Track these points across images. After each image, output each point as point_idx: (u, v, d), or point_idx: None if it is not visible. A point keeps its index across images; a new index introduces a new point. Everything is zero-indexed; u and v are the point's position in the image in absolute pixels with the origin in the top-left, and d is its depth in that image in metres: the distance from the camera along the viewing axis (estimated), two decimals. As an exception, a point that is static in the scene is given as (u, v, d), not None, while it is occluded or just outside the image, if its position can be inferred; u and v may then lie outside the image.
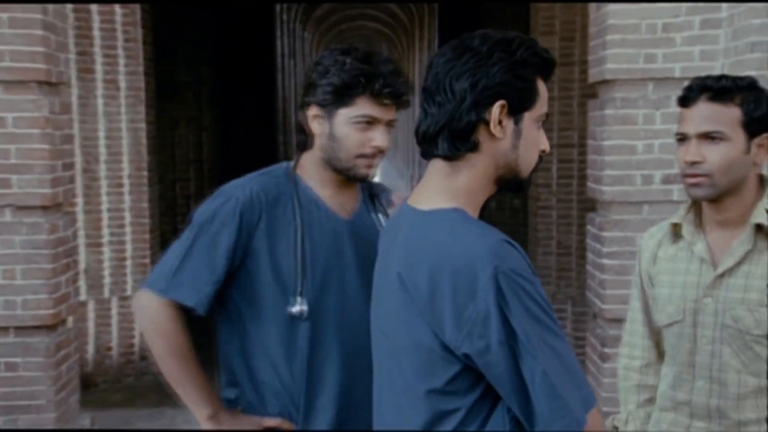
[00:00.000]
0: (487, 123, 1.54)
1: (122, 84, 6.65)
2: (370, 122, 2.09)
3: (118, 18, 6.58)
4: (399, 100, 2.12)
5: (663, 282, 2.24)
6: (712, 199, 2.11)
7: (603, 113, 4.09)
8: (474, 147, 1.55)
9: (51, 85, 3.72)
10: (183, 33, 9.07)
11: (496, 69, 1.53)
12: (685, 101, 2.12)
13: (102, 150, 6.61)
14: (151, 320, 2.11)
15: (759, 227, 2.09)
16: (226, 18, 10.39)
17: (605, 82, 4.09)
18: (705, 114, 2.06)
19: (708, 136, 2.06)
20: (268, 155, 14.27)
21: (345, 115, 2.09)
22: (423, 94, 1.59)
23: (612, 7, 3.96)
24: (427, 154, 1.61)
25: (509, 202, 10.48)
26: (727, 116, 2.05)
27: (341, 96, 2.07)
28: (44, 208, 3.74)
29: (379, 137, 2.11)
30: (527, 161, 1.59)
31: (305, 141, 2.18)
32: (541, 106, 1.60)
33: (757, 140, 2.08)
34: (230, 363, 2.17)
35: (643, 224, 3.82)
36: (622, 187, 4.06)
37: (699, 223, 2.20)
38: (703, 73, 2.25)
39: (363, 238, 2.18)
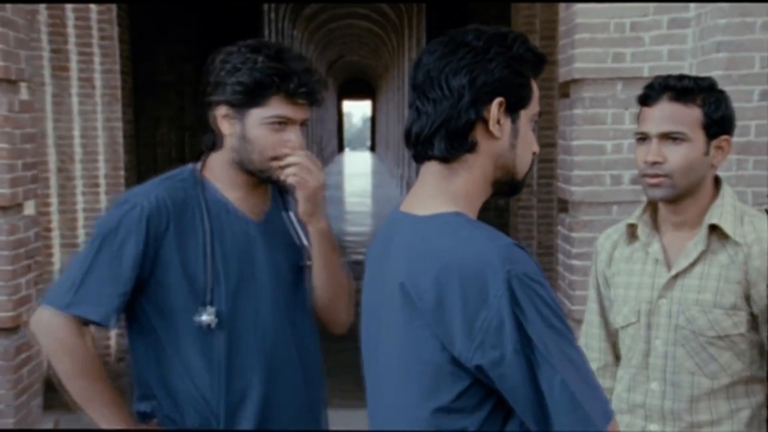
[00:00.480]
0: (485, 122, 1.47)
1: (98, 82, 6.60)
2: (285, 123, 2.01)
3: (94, 15, 6.53)
4: (313, 99, 2.05)
5: (618, 283, 2.22)
6: (670, 200, 2.09)
7: (572, 113, 4.06)
8: (472, 147, 1.48)
9: (10, 83, 3.66)
10: (165, 31, 9.03)
11: (494, 64, 1.46)
12: (646, 100, 2.09)
13: (77, 149, 6.56)
14: (55, 338, 2.00)
15: (713, 228, 2.07)
16: (211, 16, 10.34)
17: (574, 81, 4.06)
18: (667, 114, 2.04)
19: (669, 137, 2.03)
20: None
21: (258, 115, 2.00)
22: (414, 93, 1.51)
23: (580, 5, 3.93)
24: (421, 156, 1.52)
25: (494, 202, 10.44)
26: (688, 117, 2.03)
27: (253, 96, 1.99)
28: (3, 208, 3.68)
29: (293, 138, 2.02)
30: (524, 162, 1.53)
31: (213, 141, 2.09)
32: (535, 105, 1.53)
33: (715, 142, 2.06)
34: (144, 376, 2.08)
35: (607, 224, 3.78)
36: (591, 187, 4.03)
37: (654, 223, 2.18)
38: (673, 73, 2.22)
39: (276, 240, 2.12)
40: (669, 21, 3.88)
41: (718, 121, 2.06)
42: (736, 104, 3.50)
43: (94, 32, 6.54)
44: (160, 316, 2.03)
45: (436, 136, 1.48)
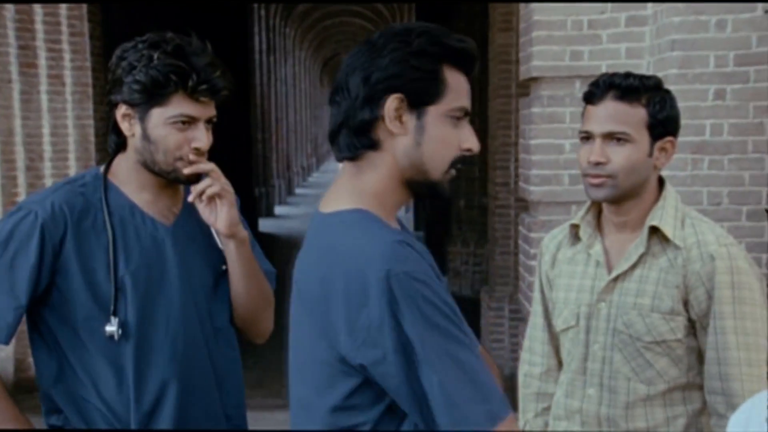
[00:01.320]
0: (383, 119, 1.45)
1: (68, 79, 6.52)
2: (188, 121, 1.94)
3: (63, 11, 6.45)
4: (218, 96, 1.97)
5: (560, 285, 2.17)
6: (612, 201, 2.04)
7: (530, 111, 4.00)
8: (374, 145, 1.47)
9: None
10: (142, 29, 8.93)
11: (387, 60, 1.44)
12: (591, 98, 2.03)
13: (47, 147, 6.48)
14: None
15: (654, 230, 2.03)
16: (191, 13, 10.27)
17: (533, 79, 4.00)
18: (611, 113, 1.99)
19: (613, 137, 1.98)
20: (244, 152, 14.24)
21: (159, 115, 1.92)
22: (329, 97, 1.52)
23: (537, 3, 3.87)
24: (338, 156, 1.53)
25: (478, 201, 10.41)
26: (633, 117, 1.98)
27: (152, 95, 1.91)
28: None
29: (199, 137, 1.94)
30: (435, 160, 1.48)
31: (117, 142, 2.01)
32: (454, 100, 1.48)
33: (659, 143, 2.02)
34: (50, 390, 1.99)
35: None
36: (549, 187, 3.97)
37: (598, 224, 2.13)
38: (631, 71, 2.16)
39: (189, 244, 2.04)
40: (627, 19, 3.82)
41: (663, 122, 2.00)
42: (690, 103, 3.49)
43: (64, 28, 6.47)
44: (64, 328, 1.95)
45: (339, 136, 1.50)
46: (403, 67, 1.44)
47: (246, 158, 14.51)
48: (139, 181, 2.01)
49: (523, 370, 2.32)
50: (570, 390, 2.14)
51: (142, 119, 1.94)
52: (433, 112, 1.47)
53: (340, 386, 1.42)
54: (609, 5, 3.82)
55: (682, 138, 3.50)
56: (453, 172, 1.53)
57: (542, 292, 2.27)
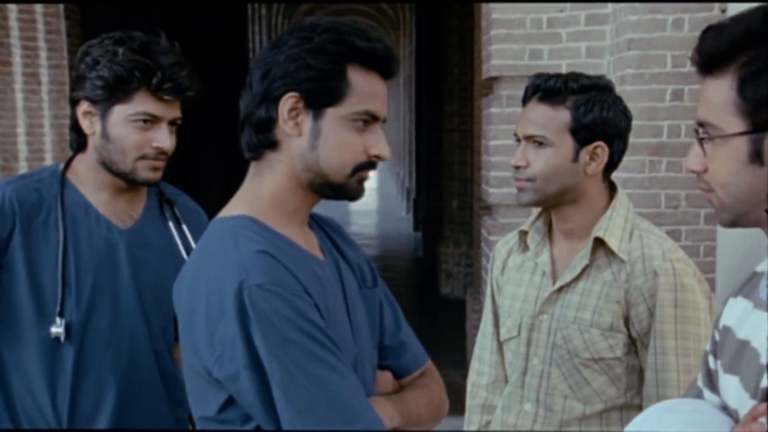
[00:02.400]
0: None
1: (44, 78, 6.47)
2: (151, 121, 1.89)
3: (39, 9, 6.39)
4: (183, 96, 1.92)
5: (507, 293, 2.08)
6: (545, 207, 1.97)
7: (489, 111, 3.91)
8: (273, 145, 1.40)
9: None
10: (128, 27, 8.88)
11: (283, 57, 1.37)
12: (523, 100, 1.97)
13: (22, 147, 6.44)
14: None
15: (600, 242, 1.92)
16: (180, 10, 10.20)
17: (492, 79, 3.90)
18: (533, 116, 1.92)
19: (533, 140, 1.90)
20: (241, 153, 14.13)
21: (121, 112, 1.88)
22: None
23: (496, 3, 3.77)
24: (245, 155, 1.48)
25: (470, 202, 10.29)
26: (554, 120, 1.89)
27: (115, 91, 1.86)
28: None
29: (160, 137, 1.90)
30: (333, 164, 1.40)
31: (78, 141, 1.96)
32: (358, 103, 1.39)
33: (587, 148, 1.90)
34: None
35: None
36: (509, 189, 3.85)
37: (548, 232, 2.04)
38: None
39: (143, 249, 1.98)
40: (587, 17, 3.72)
41: (589, 126, 1.89)
42: (648, 104, 3.39)
43: (40, 26, 6.41)
44: (4, 327, 1.89)
45: (242, 135, 1.43)
46: (299, 64, 1.36)
47: (244, 158, 14.43)
48: (97, 181, 1.96)
49: (471, 379, 2.21)
50: (507, 404, 2.05)
51: (103, 117, 1.89)
52: (332, 115, 1.39)
53: (211, 399, 1.35)
54: (568, 4, 3.73)
55: (640, 139, 3.43)
56: (366, 175, 1.45)
57: (492, 298, 2.17)
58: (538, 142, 1.90)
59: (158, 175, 1.95)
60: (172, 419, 1.98)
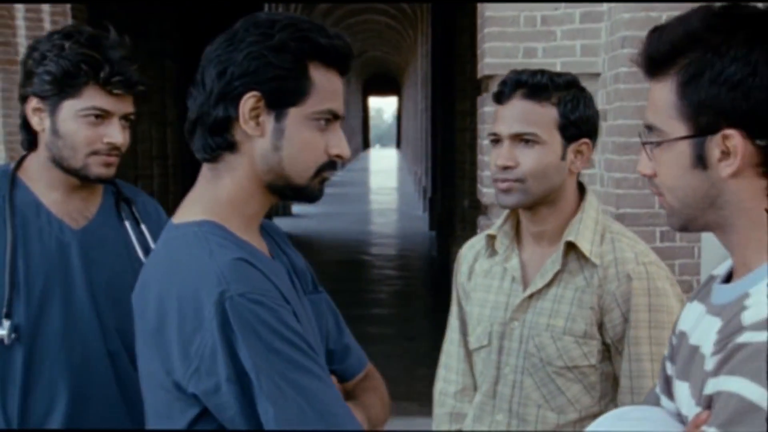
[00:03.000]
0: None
1: (51, 77, 6.48)
2: (102, 116, 1.85)
3: (46, 8, 6.41)
4: (133, 90, 1.88)
5: (475, 300, 2.01)
6: (525, 208, 1.89)
7: (483, 110, 3.86)
8: (231, 147, 1.35)
9: None
10: (144, 26, 8.90)
11: (243, 55, 1.31)
12: (499, 98, 1.89)
13: (29, 144, 6.45)
14: None
15: (571, 246, 1.87)
16: (194, 9, 10.20)
17: (486, 77, 3.85)
18: (519, 113, 1.85)
19: (521, 138, 1.84)
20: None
21: (70, 107, 1.84)
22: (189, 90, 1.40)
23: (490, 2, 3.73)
24: (197, 155, 1.41)
25: (460, 205, 10.22)
26: (542, 117, 1.84)
27: (63, 86, 1.83)
28: None
29: (112, 133, 1.86)
30: (297, 166, 1.36)
31: (28, 139, 1.93)
32: (321, 101, 1.35)
33: (573, 146, 1.87)
34: None
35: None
36: (502, 189, 3.82)
37: (517, 235, 1.98)
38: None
39: (97, 250, 1.94)
40: (582, 15, 3.66)
41: (576, 123, 1.85)
42: (642, 102, 3.30)
43: (47, 25, 6.42)
44: None
45: (194, 135, 1.37)
46: (260, 63, 1.31)
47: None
48: (49, 179, 1.93)
49: (437, 387, 2.15)
50: (478, 414, 1.99)
51: (53, 113, 1.86)
52: (295, 114, 1.34)
53: (179, 416, 1.30)
54: (563, 3, 3.67)
55: (634, 139, 3.36)
56: (328, 175, 1.41)
57: (459, 305, 2.11)
58: (526, 140, 1.83)
59: (111, 171, 1.91)
60: (128, 422, 1.94)
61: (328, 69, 1.37)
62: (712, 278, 1.29)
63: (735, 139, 1.11)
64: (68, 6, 6.51)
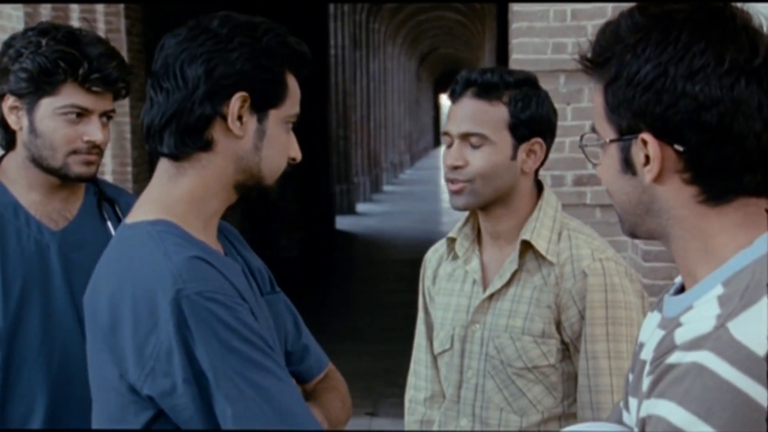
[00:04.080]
0: (224, 118, 1.34)
1: (104, 76, 6.61)
2: (81, 114, 1.83)
3: (100, 8, 6.54)
4: (113, 87, 1.85)
5: (439, 304, 2.00)
6: (479, 209, 1.88)
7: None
8: (207, 146, 1.35)
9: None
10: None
11: (236, 55, 1.33)
12: (451, 96, 1.89)
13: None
14: None
15: (528, 245, 1.84)
16: (262, 10, 10.29)
17: (514, 74, 3.76)
18: (468, 113, 1.84)
19: (470, 138, 1.82)
20: (321, 149, 14.26)
21: (48, 105, 1.82)
22: (150, 80, 1.37)
23: (519, -6, 3.64)
24: (154, 151, 1.39)
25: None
26: (491, 116, 1.83)
27: (40, 84, 1.81)
28: None
29: (92, 131, 1.84)
30: (272, 166, 1.39)
31: (6, 138, 1.91)
32: (291, 106, 1.40)
33: (525, 145, 1.84)
34: None
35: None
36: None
37: (477, 237, 1.96)
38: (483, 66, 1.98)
39: (77, 251, 1.91)
40: (614, 8, 3.53)
41: (526, 122, 1.83)
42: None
43: (101, 25, 6.53)
44: None
45: (166, 130, 1.35)
46: (254, 65, 1.34)
47: (324, 155, 14.51)
48: (28, 179, 1.91)
49: (408, 395, 2.13)
50: (443, 420, 1.96)
51: (30, 111, 1.84)
52: (274, 117, 1.38)
53: (134, 418, 1.29)
54: (594, -6, 3.56)
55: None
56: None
57: (426, 310, 2.09)
58: (475, 140, 1.81)
59: (92, 169, 1.89)
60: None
61: (293, 75, 1.41)
62: (673, 286, 1.22)
63: (652, 143, 1.04)
64: (121, 6, 6.63)
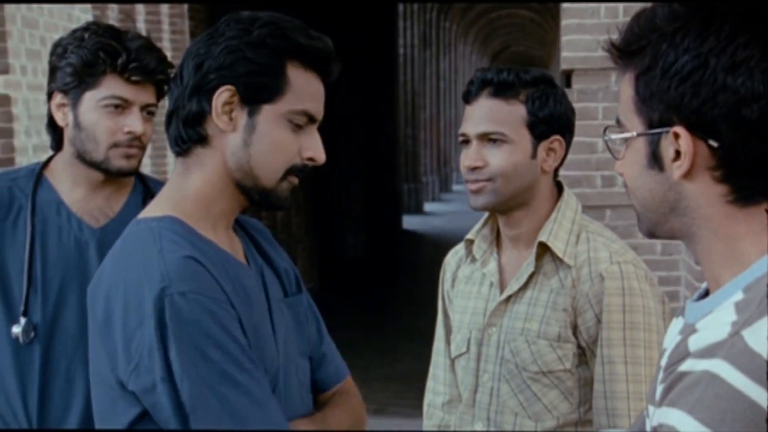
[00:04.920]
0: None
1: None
2: (122, 105, 1.86)
3: (165, 10, 6.68)
4: (153, 78, 1.87)
5: (456, 307, 1.97)
6: (499, 211, 1.85)
7: (561, 107, 3.70)
8: (203, 140, 1.35)
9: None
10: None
11: (220, 49, 1.32)
12: (467, 97, 1.86)
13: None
14: None
15: (546, 247, 1.80)
16: (330, 10, 10.34)
17: (563, 72, 3.69)
18: (486, 112, 1.81)
19: (489, 138, 1.80)
20: (388, 148, 14.26)
21: (91, 99, 1.85)
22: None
23: (568, -12, 3.57)
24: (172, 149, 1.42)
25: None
26: (510, 115, 1.80)
27: (83, 76, 1.85)
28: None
29: (132, 122, 1.85)
30: (265, 165, 1.35)
31: (54, 137, 1.96)
32: (296, 101, 1.34)
33: (544, 143, 1.81)
34: None
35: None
36: (580, 189, 3.66)
37: (496, 239, 1.93)
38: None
39: None
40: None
41: (545, 120, 1.80)
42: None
43: (165, 26, 6.69)
44: None
45: (169, 128, 1.37)
46: (237, 57, 1.32)
47: (391, 154, 14.52)
48: (73, 177, 1.94)
49: (426, 399, 2.10)
50: (459, 424, 1.94)
51: (75, 106, 1.88)
52: (269, 112, 1.34)
53: (122, 414, 1.28)
54: (645, -11, 3.46)
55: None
56: (294, 180, 1.38)
57: (445, 313, 2.06)
58: (494, 139, 1.78)
59: (132, 163, 1.90)
60: None
61: (307, 70, 1.35)
62: (697, 292, 1.18)
63: (684, 138, 0.99)
64: (185, 7, 6.75)
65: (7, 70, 3.74)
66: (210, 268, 1.28)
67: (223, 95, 1.32)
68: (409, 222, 15.81)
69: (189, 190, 1.36)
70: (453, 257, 2.04)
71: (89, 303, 1.36)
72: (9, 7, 7.64)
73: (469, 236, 1.95)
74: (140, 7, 6.60)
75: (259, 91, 1.32)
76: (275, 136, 1.34)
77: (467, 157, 1.81)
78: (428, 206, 18.66)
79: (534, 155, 1.80)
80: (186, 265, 1.25)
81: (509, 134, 1.78)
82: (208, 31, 1.37)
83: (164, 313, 1.21)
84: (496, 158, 1.79)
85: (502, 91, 1.79)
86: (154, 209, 1.38)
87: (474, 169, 1.80)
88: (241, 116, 1.33)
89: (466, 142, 1.83)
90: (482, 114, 1.80)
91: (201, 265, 1.26)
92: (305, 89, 1.35)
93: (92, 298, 1.35)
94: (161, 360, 1.22)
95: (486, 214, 1.93)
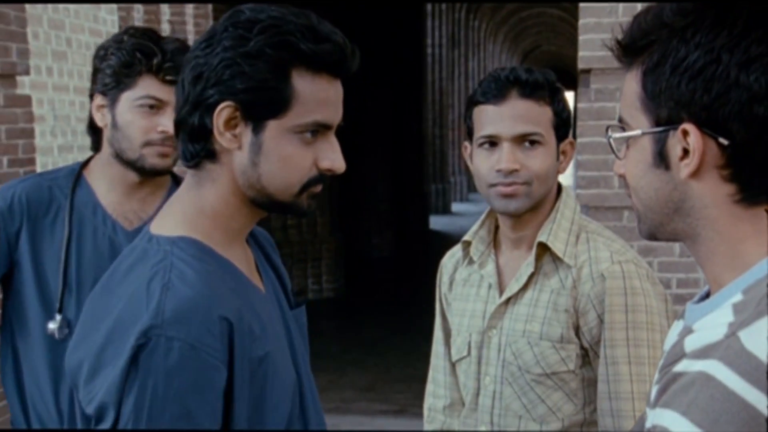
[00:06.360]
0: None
1: (193, 77, 6.77)
2: (156, 105, 1.89)
3: (189, 10, 6.70)
4: None
5: (455, 310, 1.95)
6: (517, 215, 1.80)
7: (576, 107, 3.66)
8: (211, 156, 1.24)
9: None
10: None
11: (217, 61, 1.20)
12: (488, 97, 1.77)
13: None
14: None
15: (546, 247, 1.78)
16: (359, 10, 10.34)
17: (582, 72, 3.65)
18: (521, 113, 1.75)
19: (525, 139, 1.75)
20: (416, 148, 14.24)
21: (127, 99, 1.90)
22: None
23: (585, -13, 3.53)
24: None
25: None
26: (543, 116, 1.76)
27: (121, 77, 1.90)
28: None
29: (166, 121, 1.87)
30: (277, 183, 1.24)
31: (94, 139, 2.01)
32: (305, 113, 1.22)
33: (561, 146, 1.80)
34: (5, 382, 1.99)
35: (617, 232, 3.36)
36: (597, 189, 3.62)
37: (494, 240, 1.90)
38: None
39: None
40: (685, 2, 3.38)
41: (567, 121, 1.79)
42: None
43: (190, 27, 6.71)
44: (18, 322, 1.98)
45: (177, 138, 1.29)
46: (234, 72, 1.19)
47: (418, 154, 14.49)
48: (110, 177, 1.99)
49: (427, 403, 2.08)
50: (462, 428, 1.92)
51: (113, 106, 1.93)
52: (275, 128, 1.22)
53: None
54: (663, -12, 3.41)
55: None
56: (317, 189, 1.28)
57: (443, 316, 2.03)
58: (531, 140, 1.74)
59: (166, 162, 1.93)
60: None
61: (316, 75, 1.23)
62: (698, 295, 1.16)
63: (693, 135, 0.96)
64: (210, 7, 6.77)
65: (28, 71, 3.77)
66: (220, 300, 1.19)
67: (224, 113, 1.21)
68: (436, 222, 15.75)
69: (205, 206, 1.27)
70: (450, 259, 2.01)
71: (88, 302, 1.30)
72: (35, 9, 7.75)
73: (466, 238, 1.92)
74: (165, 8, 6.62)
75: (261, 107, 1.21)
76: (285, 153, 1.23)
77: (501, 161, 1.74)
78: (456, 206, 18.59)
79: (558, 157, 1.78)
80: (187, 307, 1.14)
81: (545, 135, 1.75)
82: (208, 33, 1.25)
83: (139, 354, 1.11)
84: (533, 161, 1.73)
85: (534, 91, 1.75)
86: (167, 225, 1.28)
87: (511, 172, 1.73)
88: (246, 133, 1.22)
89: (493, 144, 1.76)
90: (516, 114, 1.74)
91: (203, 308, 1.16)
92: (315, 97, 1.23)
93: (87, 311, 1.29)
94: (117, 405, 1.13)
95: (483, 215, 1.91)
